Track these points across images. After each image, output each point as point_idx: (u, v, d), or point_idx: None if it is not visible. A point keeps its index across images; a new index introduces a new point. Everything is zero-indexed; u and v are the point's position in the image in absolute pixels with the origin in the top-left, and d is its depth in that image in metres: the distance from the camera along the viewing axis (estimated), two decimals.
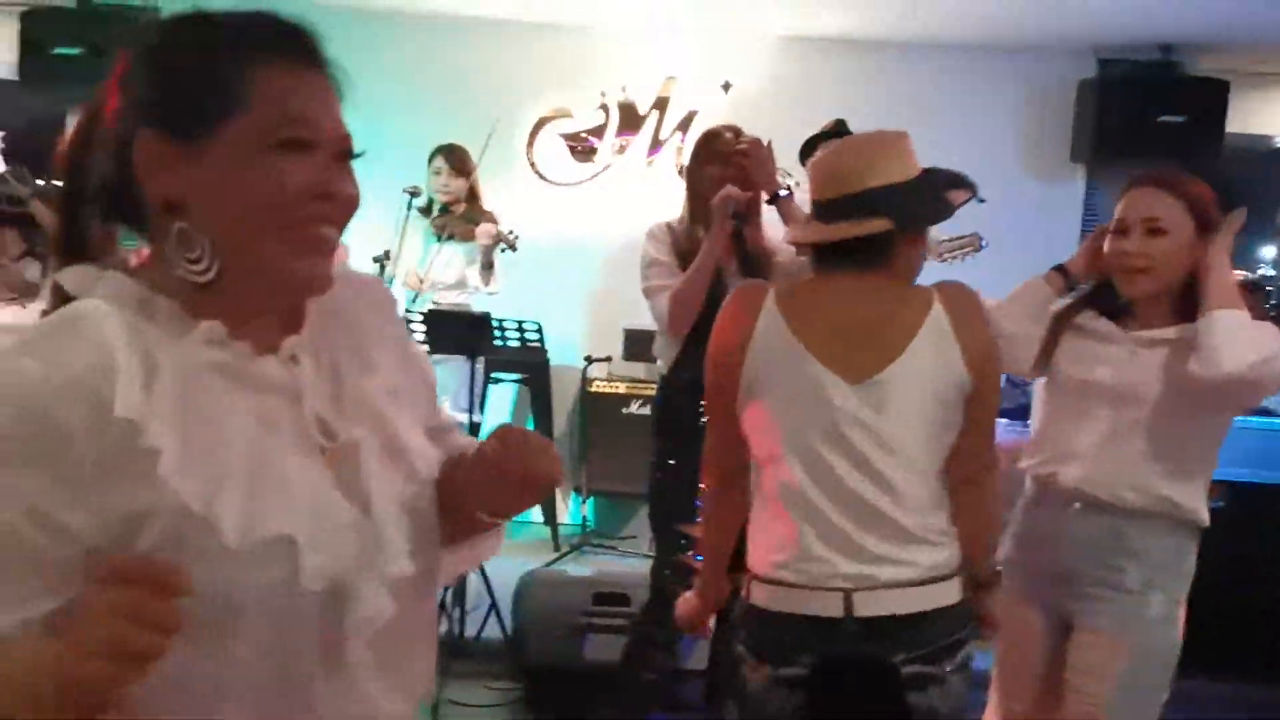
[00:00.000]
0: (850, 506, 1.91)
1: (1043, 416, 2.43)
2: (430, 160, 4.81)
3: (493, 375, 5.34)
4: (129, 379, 0.88)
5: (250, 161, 0.95)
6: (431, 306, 4.64)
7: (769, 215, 3.16)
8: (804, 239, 2.12)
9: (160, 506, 0.89)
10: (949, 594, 1.93)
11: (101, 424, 0.88)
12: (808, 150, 4.63)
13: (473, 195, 4.77)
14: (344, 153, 1.01)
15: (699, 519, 2.28)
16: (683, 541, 2.86)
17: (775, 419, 1.97)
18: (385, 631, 0.99)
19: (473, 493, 1.09)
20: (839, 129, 4.64)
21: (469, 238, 4.69)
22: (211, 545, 0.90)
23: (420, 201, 4.82)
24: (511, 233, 4.60)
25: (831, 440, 1.91)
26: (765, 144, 3.16)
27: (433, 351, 4.35)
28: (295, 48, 0.99)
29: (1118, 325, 2.33)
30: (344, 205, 1.00)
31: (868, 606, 1.88)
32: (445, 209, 4.76)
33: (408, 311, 4.42)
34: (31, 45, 5.21)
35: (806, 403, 1.93)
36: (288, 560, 0.93)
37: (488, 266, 4.71)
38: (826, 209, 2.00)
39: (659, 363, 3.31)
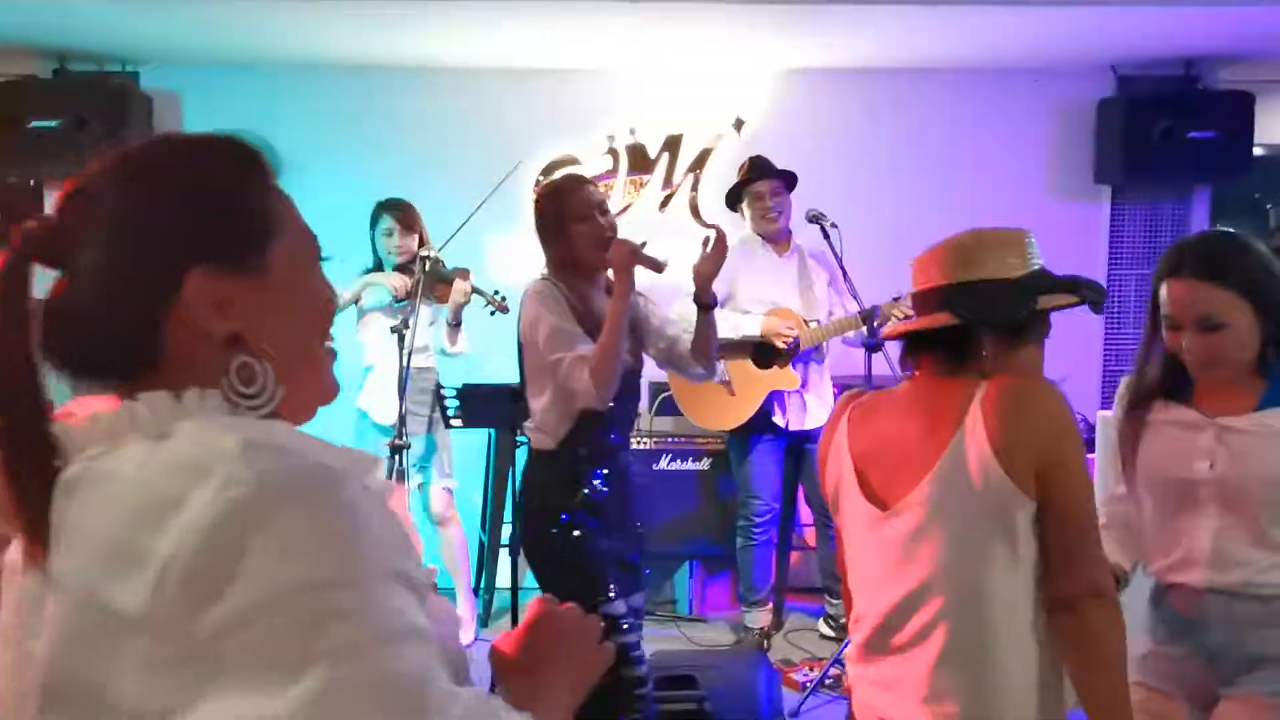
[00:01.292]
0: (878, 652, 1.88)
1: (1149, 518, 2.26)
2: (376, 220, 4.53)
3: (519, 439, 5.09)
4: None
5: (305, 278, 0.99)
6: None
7: None
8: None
9: None
10: None
11: None
12: (734, 196, 4.50)
13: (422, 247, 4.40)
14: None
15: None
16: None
17: (845, 539, 2.00)
18: None
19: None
20: (761, 167, 4.46)
21: (444, 296, 4.40)
22: None
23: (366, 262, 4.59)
24: (498, 294, 4.33)
25: (878, 571, 1.87)
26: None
27: (466, 425, 4.11)
28: (276, 166, 1.01)
29: (1194, 406, 2.18)
30: None
31: None
32: (407, 268, 4.44)
33: (441, 387, 4.15)
34: (6, 118, 4.92)
35: (856, 529, 1.93)
36: None
37: (456, 325, 4.43)
38: (913, 302, 1.94)
39: (537, 435, 3.00)
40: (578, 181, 3.06)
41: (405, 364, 4.27)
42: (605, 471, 2.96)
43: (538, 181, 5.39)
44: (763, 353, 4.43)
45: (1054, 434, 1.73)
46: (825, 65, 5.33)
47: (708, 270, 3.04)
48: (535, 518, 2.99)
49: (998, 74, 5.41)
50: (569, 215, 2.93)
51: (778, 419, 4.44)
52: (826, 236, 4.13)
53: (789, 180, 4.43)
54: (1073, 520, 1.73)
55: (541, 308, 2.87)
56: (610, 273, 2.89)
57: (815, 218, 4.16)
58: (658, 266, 2.90)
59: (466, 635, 4.62)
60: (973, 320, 1.83)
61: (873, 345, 4.01)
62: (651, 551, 5.12)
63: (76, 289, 0.90)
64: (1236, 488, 2.09)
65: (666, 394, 5.11)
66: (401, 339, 4.33)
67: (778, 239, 4.45)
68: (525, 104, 5.38)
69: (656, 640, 4.72)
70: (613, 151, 5.43)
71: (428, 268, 4.00)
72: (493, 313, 4.31)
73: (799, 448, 4.53)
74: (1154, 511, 2.23)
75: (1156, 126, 5.09)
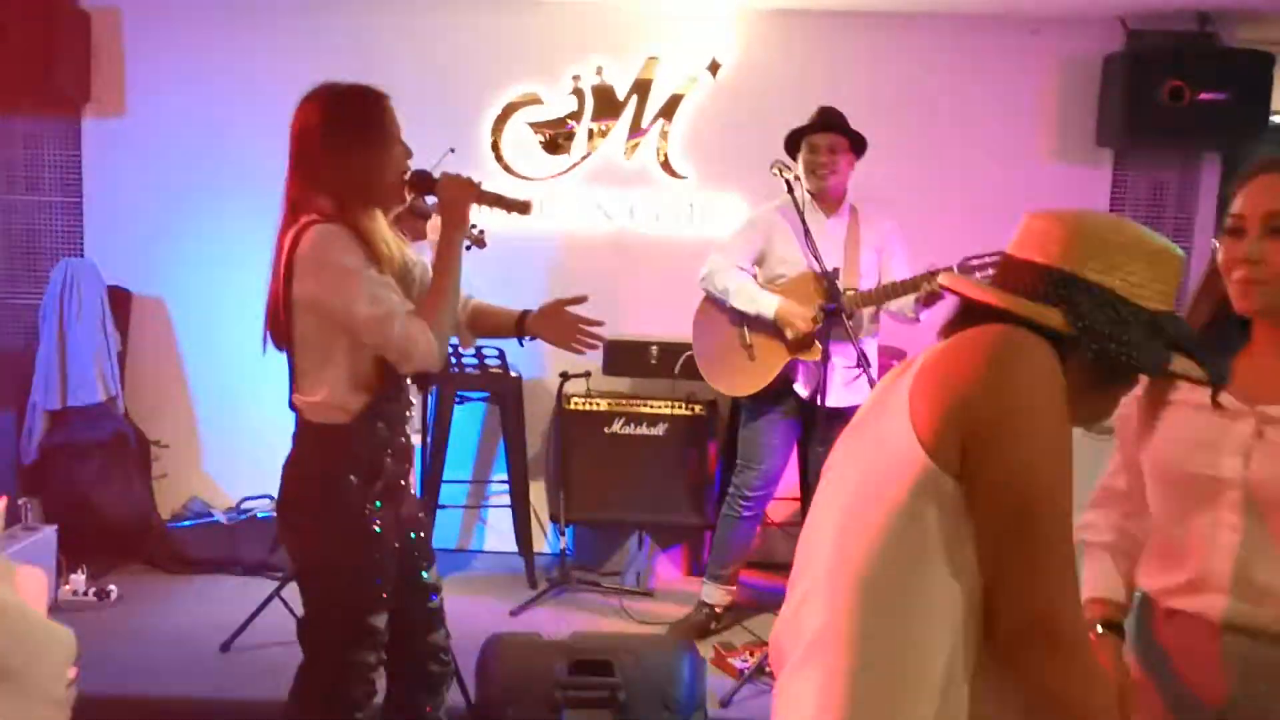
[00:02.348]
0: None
1: (1154, 516, 1.80)
2: None
3: (459, 394, 4.81)
4: None
5: None
6: None
7: None
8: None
9: None
10: None
11: None
12: (794, 142, 4.14)
13: None
14: None
15: None
16: None
17: None
18: None
19: None
20: (827, 119, 4.15)
21: (420, 235, 4.11)
22: None
23: None
24: (476, 227, 3.99)
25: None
26: None
27: None
28: None
29: (1234, 392, 1.70)
30: None
31: None
32: None
33: None
34: None
35: None
36: None
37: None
38: (1002, 266, 1.47)
39: (317, 409, 2.50)
40: (383, 94, 2.54)
41: None
42: (394, 448, 2.56)
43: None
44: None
45: (999, 389, 1.29)
46: (809, 6, 4.93)
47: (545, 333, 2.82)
48: (319, 501, 2.50)
49: (996, 22, 5.00)
50: (391, 132, 2.50)
51: (800, 388, 4.07)
52: (790, 190, 3.79)
53: (855, 141, 4.03)
54: (1008, 513, 1.29)
55: (343, 255, 2.35)
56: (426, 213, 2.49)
57: (781, 169, 3.82)
58: (525, 207, 2.64)
59: None
60: (1097, 343, 1.35)
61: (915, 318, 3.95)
62: (598, 520, 4.88)
63: None
64: (1274, 495, 1.64)
65: (626, 353, 4.80)
66: None
67: (827, 198, 4.06)
68: (491, 35, 5.02)
69: (598, 614, 4.44)
70: (578, 92, 5.06)
71: (467, 247, 3.72)
72: (468, 247, 3.95)
73: (816, 421, 3.97)
74: (1159, 515, 1.77)
75: (1164, 85, 4.69)
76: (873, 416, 1.46)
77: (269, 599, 3.98)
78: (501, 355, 4.64)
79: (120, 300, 5.03)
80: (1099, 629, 1.83)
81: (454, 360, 3.76)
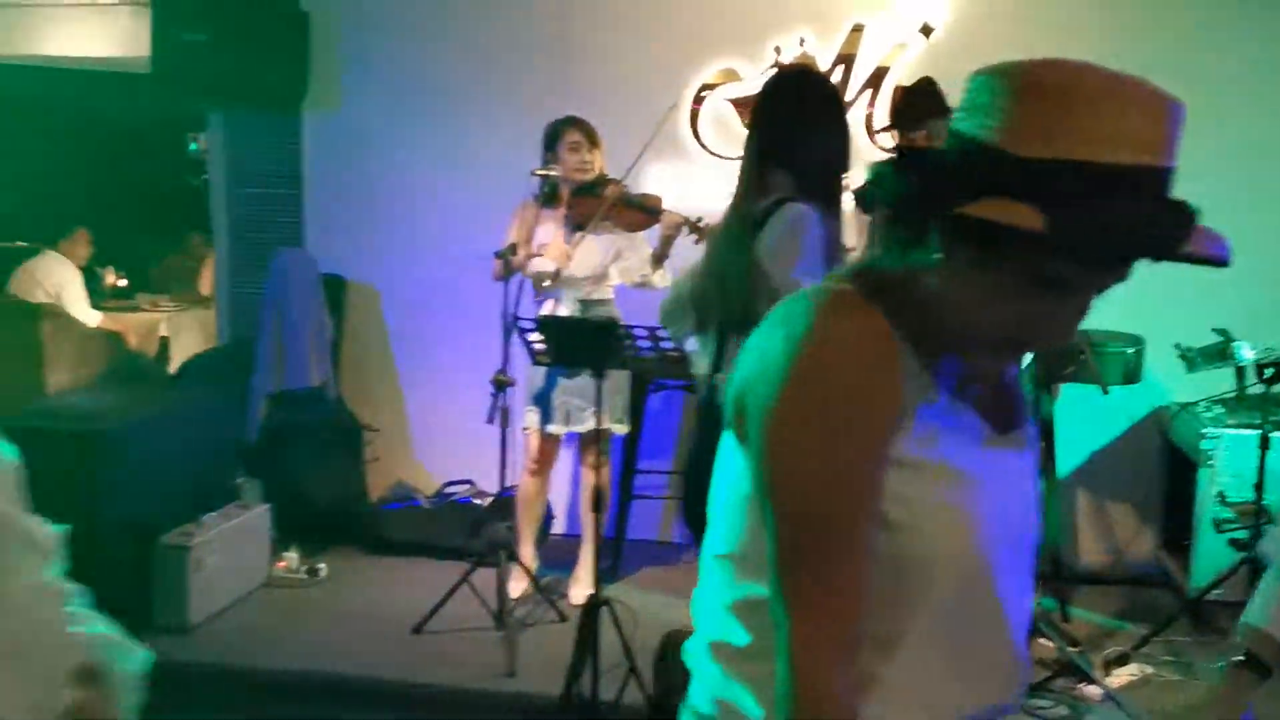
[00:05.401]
0: None
1: None
2: (557, 136, 4.14)
3: (656, 381, 4.69)
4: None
5: None
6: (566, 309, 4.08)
7: None
8: None
9: None
10: None
11: None
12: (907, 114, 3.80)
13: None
14: None
15: None
16: None
17: None
18: None
19: None
20: (929, 87, 3.77)
21: (635, 225, 4.08)
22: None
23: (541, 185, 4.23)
24: (700, 219, 3.90)
25: None
26: None
27: (554, 364, 3.73)
28: None
29: None
30: None
31: None
32: (590, 189, 4.11)
33: (517, 319, 3.78)
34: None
35: None
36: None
37: (662, 258, 4.09)
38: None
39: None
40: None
41: (517, 294, 3.97)
42: None
43: (698, 97, 4.91)
44: None
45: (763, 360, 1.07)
46: None
47: None
48: None
49: None
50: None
51: None
52: None
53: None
54: (766, 482, 1.06)
55: (812, 233, 2.43)
56: None
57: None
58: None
59: (582, 594, 4.30)
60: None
61: None
62: None
63: None
64: None
65: None
66: (507, 265, 4.03)
67: None
68: (691, 9, 4.87)
69: None
70: (778, 66, 4.84)
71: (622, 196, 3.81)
72: (696, 241, 3.89)
73: None
74: None
75: None
76: None
77: (459, 583, 4.00)
78: None
79: (335, 288, 5.21)
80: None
81: (655, 346, 3.63)
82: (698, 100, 4.91)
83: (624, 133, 4.18)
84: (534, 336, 3.56)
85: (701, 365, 2.67)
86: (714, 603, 1.15)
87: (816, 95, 2.58)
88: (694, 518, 2.70)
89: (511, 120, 4.76)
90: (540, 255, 4.07)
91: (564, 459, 4.56)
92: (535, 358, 3.68)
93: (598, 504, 3.50)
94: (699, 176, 4.84)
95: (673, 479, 5.01)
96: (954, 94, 3.81)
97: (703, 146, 4.92)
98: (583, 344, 3.23)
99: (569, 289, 4.14)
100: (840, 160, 2.55)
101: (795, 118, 2.54)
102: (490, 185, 4.62)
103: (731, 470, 1.13)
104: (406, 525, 4.85)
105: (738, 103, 4.88)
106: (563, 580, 4.41)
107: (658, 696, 3.27)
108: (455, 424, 5.03)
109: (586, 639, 3.29)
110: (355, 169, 5.24)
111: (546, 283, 4.09)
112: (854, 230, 2.93)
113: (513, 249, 4.00)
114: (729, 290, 2.52)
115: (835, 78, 4.77)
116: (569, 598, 4.26)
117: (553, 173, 4.07)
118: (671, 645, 3.35)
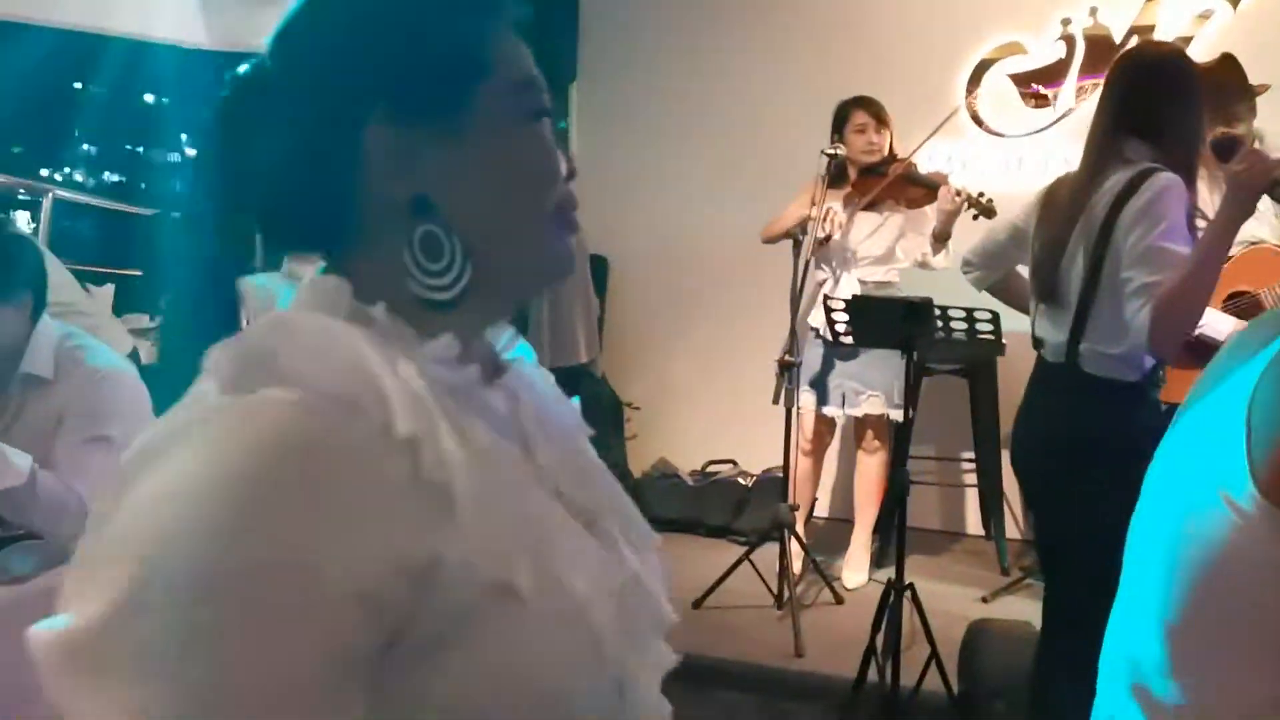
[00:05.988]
0: None
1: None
2: (846, 116, 4.10)
3: (928, 366, 4.58)
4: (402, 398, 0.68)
5: (512, 132, 0.80)
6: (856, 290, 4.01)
7: None
8: None
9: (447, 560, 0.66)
10: None
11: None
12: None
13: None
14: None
15: None
16: None
17: None
18: None
19: None
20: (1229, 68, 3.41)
21: (917, 203, 4.01)
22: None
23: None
24: (984, 195, 3.78)
25: None
26: None
27: (858, 344, 3.68)
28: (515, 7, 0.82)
29: None
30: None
31: None
32: (876, 170, 4.04)
33: (827, 298, 3.74)
34: None
35: None
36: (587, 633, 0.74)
37: (944, 238, 3.97)
38: None
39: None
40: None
41: (801, 273, 3.94)
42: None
43: (974, 76, 4.75)
44: None
45: None
46: None
47: None
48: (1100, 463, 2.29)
49: None
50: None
51: None
52: None
53: None
54: None
55: (1178, 205, 2.30)
56: None
57: None
58: None
59: (856, 578, 4.27)
60: None
61: None
62: None
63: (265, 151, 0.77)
64: None
65: None
66: (797, 244, 4.00)
67: None
68: None
69: None
70: (1067, 39, 4.63)
71: (975, 217, 3.66)
72: (975, 217, 3.78)
73: None
74: None
75: None
76: None
77: (739, 560, 4.00)
78: (994, 322, 4.31)
79: (600, 267, 5.30)
80: None
81: (940, 327, 3.52)
82: (974, 80, 4.75)
83: (902, 110, 4.10)
84: (838, 315, 3.51)
85: (1051, 332, 2.57)
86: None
87: (1178, 68, 2.49)
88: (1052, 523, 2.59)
89: (790, 100, 4.74)
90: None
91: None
92: (837, 336, 3.64)
93: (882, 489, 3.43)
94: (978, 156, 4.69)
95: (940, 465, 4.89)
96: (1267, 69, 3.53)
97: (979, 125, 4.76)
98: (894, 323, 3.16)
99: (848, 270, 4.09)
100: (1198, 135, 2.44)
101: (1158, 89, 2.45)
102: (771, 167, 4.61)
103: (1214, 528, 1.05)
104: (671, 502, 4.90)
105: (1022, 77, 4.70)
106: (831, 563, 4.37)
107: (964, 687, 3.19)
108: (714, 403, 5.04)
109: (887, 623, 3.23)
110: (620, 146, 5.30)
111: (808, 255, 3.97)
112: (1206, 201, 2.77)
113: (802, 226, 3.97)
114: (1090, 260, 2.43)
115: None
116: (842, 580, 4.23)
117: (839, 152, 4.01)
118: (976, 636, 3.27)
